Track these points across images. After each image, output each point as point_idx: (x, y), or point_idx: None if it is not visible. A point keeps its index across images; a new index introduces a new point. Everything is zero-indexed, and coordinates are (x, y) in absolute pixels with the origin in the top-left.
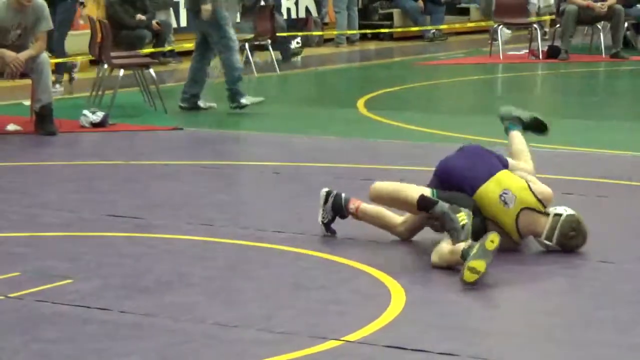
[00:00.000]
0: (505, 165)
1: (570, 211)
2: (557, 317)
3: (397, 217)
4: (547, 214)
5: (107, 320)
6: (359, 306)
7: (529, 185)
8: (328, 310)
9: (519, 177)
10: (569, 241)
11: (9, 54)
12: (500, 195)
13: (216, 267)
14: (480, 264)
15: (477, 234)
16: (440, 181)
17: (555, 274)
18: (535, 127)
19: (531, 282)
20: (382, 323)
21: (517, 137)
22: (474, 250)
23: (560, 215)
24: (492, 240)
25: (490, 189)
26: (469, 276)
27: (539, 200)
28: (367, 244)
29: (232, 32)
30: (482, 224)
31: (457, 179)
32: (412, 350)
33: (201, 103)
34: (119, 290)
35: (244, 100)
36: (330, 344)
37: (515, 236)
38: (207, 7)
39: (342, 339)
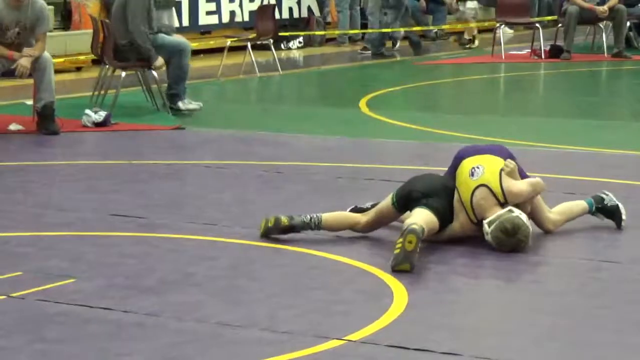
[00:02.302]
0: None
1: (524, 217)
2: (560, 317)
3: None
4: (504, 207)
5: (111, 319)
6: (361, 306)
7: (500, 174)
8: (331, 310)
9: (499, 166)
10: (502, 236)
11: (20, 62)
12: (472, 168)
13: (219, 266)
14: (405, 267)
15: (443, 214)
16: (452, 167)
17: (557, 274)
18: (609, 214)
19: (533, 282)
20: (385, 323)
21: (574, 203)
22: (397, 255)
23: (512, 212)
24: (410, 241)
25: (470, 161)
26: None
27: (502, 190)
28: (370, 244)
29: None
30: (449, 207)
31: (460, 157)
32: (414, 349)
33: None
34: (122, 290)
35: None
36: (333, 343)
37: (469, 212)
38: None
39: (344, 338)
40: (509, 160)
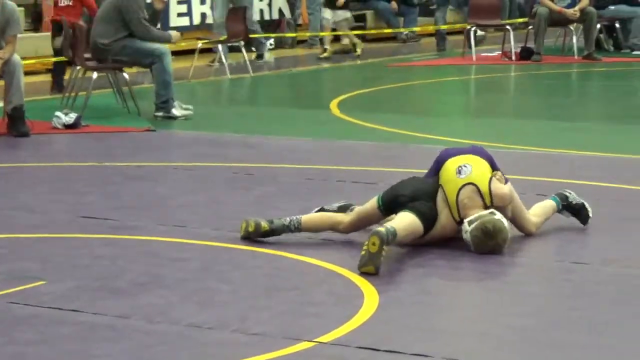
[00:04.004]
0: (492, 164)
1: (506, 222)
2: (531, 319)
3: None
4: (487, 209)
5: (82, 321)
6: (332, 307)
7: (490, 179)
8: (302, 311)
9: (486, 168)
10: (481, 237)
11: None
12: (459, 166)
13: (190, 268)
14: (369, 269)
15: (429, 218)
16: (434, 168)
17: (529, 276)
18: (575, 212)
19: (505, 284)
20: (356, 324)
21: (545, 203)
22: (362, 257)
23: (494, 214)
24: (374, 242)
25: (455, 160)
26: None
27: (490, 192)
28: (342, 246)
29: None
30: (433, 210)
31: (443, 158)
32: (385, 351)
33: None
34: (93, 292)
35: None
36: (304, 345)
37: (454, 209)
38: None
39: (315, 340)
40: (498, 172)
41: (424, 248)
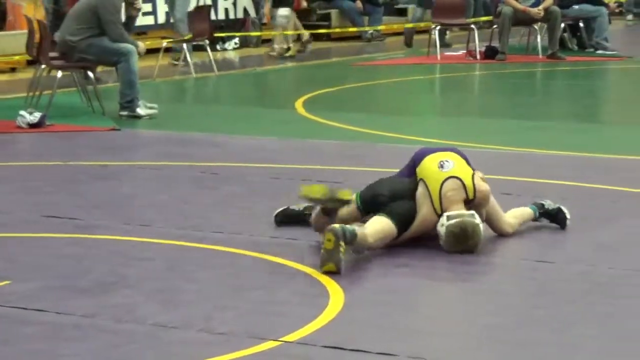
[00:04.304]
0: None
1: (482, 228)
2: (496, 317)
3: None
4: (470, 205)
5: (47, 321)
6: (297, 307)
7: (473, 174)
8: (267, 310)
9: (466, 164)
10: (458, 234)
11: None
12: (441, 161)
13: (156, 268)
14: (330, 267)
15: (406, 218)
16: (410, 166)
17: (493, 274)
18: (552, 217)
19: (470, 282)
20: (321, 323)
21: (522, 209)
22: (321, 255)
23: (474, 217)
24: (329, 239)
25: (435, 157)
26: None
27: (474, 186)
28: (307, 245)
29: None
30: (412, 210)
31: (420, 156)
32: (350, 350)
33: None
34: (58, 292)
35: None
36: (269, 344)
37: (436, 202)
38: None
39: (281, 339)
40: (478, 171)
41: (391, 247)
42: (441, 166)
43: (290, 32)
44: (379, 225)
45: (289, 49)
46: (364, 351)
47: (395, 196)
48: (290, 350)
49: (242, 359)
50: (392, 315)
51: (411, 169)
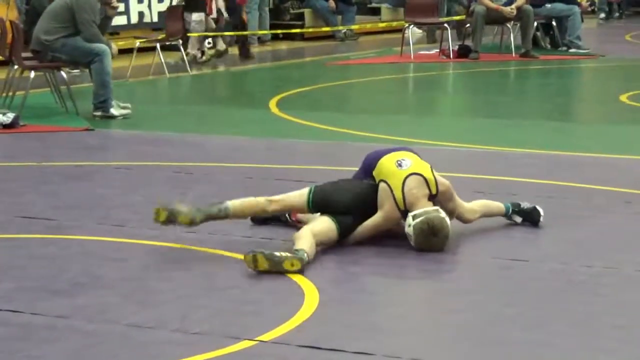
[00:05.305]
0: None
1: (449, 222)
2: (468, 315)
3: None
4: (433, 200)
5: (20, 322)
6: (272, 306)
7: (432, 168)
8: (242, 310)
9: (423, 161)
10: (426, 230)
11: None
12: (397, 160)
13: (130, 268)
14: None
15: (346, 231)
16: (365, 170)
17: (465, 273)
18: (526, 215)
19: (443, 281)
20: (296, 323)
21: (492, 202)
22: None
23: (439, 212)
24: (293, 264)
25: (391, 157)
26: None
27: (435, 180)
28: (281, 245)
29: None
30: (352, 223)
31: (374, 159)
32: (326, 349)
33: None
34: (32, 292)
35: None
36: (244, 344)
37: (399, 200)
38: None
39: (256, 339)
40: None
41: (364, 247)
42: (399, 165)
43: (211, 35)
44: (323, 226)
45: (203, 53)
46: (340, 350)
47: (352, 206)
48: (266, 350)
49: (217, 358)
50: (367, 315)
51: (367, 172)
